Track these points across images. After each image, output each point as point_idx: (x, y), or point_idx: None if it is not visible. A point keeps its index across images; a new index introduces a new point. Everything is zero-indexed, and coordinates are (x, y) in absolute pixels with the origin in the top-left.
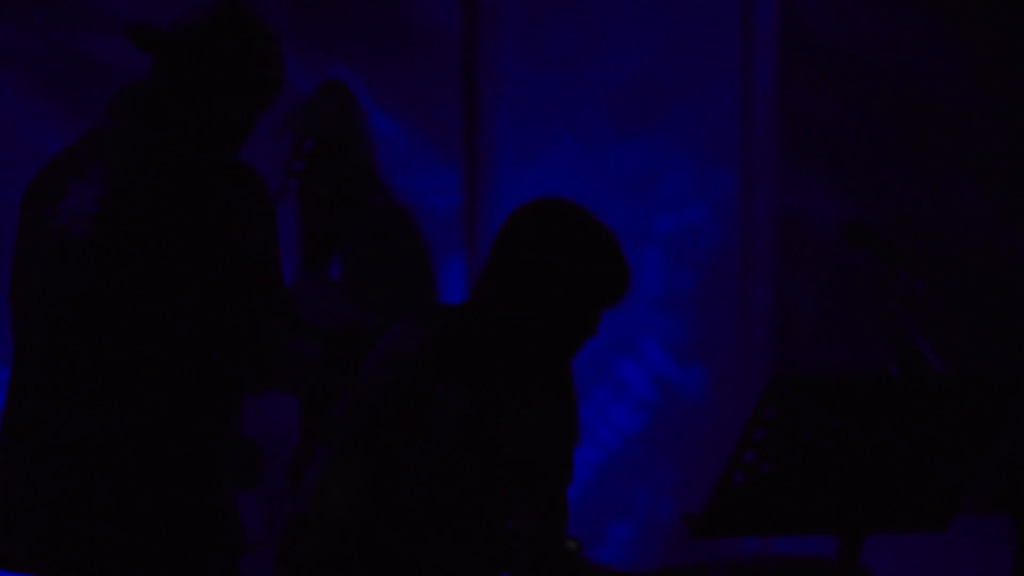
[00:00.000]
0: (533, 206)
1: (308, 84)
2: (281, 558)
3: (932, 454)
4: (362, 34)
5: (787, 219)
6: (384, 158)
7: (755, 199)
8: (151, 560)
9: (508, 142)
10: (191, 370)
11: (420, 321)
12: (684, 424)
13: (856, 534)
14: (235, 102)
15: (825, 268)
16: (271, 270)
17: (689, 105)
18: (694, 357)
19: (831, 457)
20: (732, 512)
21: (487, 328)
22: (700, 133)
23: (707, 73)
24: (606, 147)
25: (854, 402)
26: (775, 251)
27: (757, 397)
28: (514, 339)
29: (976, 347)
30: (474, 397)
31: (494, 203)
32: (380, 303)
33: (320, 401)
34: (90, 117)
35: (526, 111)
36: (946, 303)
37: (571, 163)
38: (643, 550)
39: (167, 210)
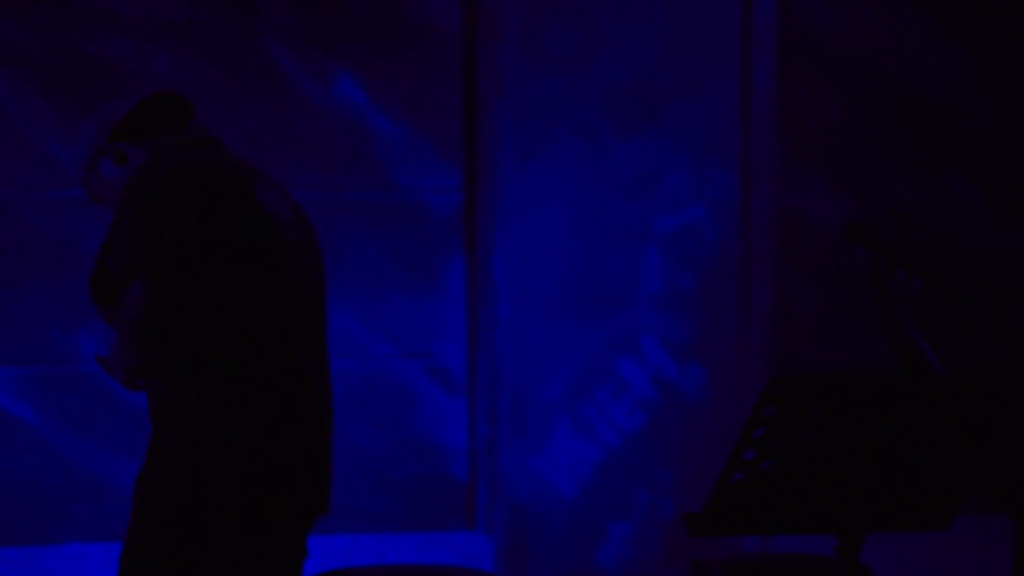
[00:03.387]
0: None
1: (309, 84)
2: None
3: (932, 454)
4: (362, 34)
5: (787, 219)
6: (384, 158)
7: (755, 199)
8: None
9: (508, 142)
10: None
11: None
12: (684, 423)
13: (856, 533)
14: None
15: (825, 268)
16: None
17: (689, 105)
18: (694, 357)
19: (831, 456)
20: (732, 511)
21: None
22: (700, 133)
23: (707, 73)
24: (606, 147)
25: (854, 401)
26: (775, 251)
27: (757, 396)
28: None
29: (976, 347)
30: None
31: (494, 203)
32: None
33: None
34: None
35: (526, 111)
36: (946, 303)
37: (571, 163)
38: (643, 549)
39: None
